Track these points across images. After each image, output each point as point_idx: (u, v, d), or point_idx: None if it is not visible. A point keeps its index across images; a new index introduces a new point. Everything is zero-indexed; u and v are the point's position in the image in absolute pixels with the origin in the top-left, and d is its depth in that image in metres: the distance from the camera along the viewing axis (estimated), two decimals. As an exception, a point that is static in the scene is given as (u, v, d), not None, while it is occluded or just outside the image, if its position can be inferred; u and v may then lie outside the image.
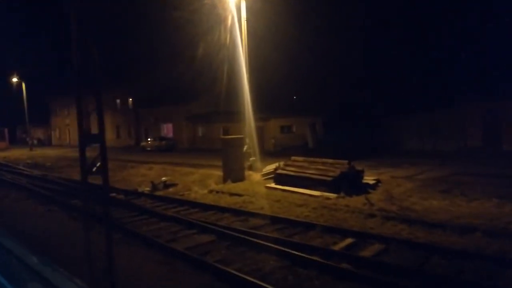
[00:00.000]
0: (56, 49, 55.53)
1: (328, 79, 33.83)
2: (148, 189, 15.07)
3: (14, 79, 42.31)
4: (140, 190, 15.07)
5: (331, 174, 12.53)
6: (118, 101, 44.39)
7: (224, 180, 16.11)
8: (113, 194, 13.87)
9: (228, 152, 16.52)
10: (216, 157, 25.18)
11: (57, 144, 55.37)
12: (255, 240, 7.42)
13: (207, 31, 19.35)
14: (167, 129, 39.90)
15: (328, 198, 11.53)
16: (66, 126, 54.10)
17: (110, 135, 46.15)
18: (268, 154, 27.18)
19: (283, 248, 6.85)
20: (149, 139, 38.03)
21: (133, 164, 25.27)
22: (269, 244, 7.10)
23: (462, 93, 24.72)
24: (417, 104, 25.26)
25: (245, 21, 18.24)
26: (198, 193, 14.27)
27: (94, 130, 4.31)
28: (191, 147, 37.26)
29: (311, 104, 35.65)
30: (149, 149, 36.59)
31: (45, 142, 58.11)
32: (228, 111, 37.60)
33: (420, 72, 28.91)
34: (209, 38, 19.74)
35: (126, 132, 43.83)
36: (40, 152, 40.68)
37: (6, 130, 50.43)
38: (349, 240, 7.46)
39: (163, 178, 16.86)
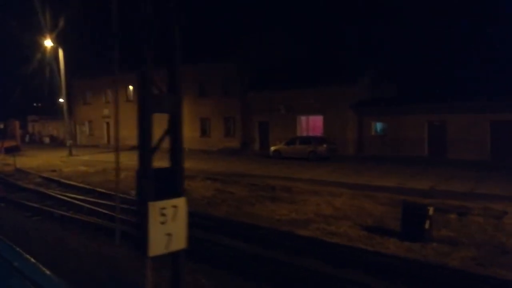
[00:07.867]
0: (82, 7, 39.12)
1: None
2: None
3: (48, 42, 26.34)
4: None
5: None
6: (205, 81, 29.28)
7: None
8: None
9: None
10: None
11: (86, 144, 39.10)
12: None
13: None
14: (311, 125, 25.44)
15: None
16: (103, 118, 37.97)
17: (189, 133, 30.81)
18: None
19: None
20: (292, 141, 23.47)
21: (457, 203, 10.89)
22: None
23: None
24: None
25: None
26: None
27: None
28: (358, 154, 23.13)
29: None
30: (286, 155, 22.34)
31: (64, 142, 41.59)
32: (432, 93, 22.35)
33: None
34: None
35: (222, 129, 28.89)
36: (91, 160, 25.09)
37: (17, 124, 33.98)
38: None
39: None
